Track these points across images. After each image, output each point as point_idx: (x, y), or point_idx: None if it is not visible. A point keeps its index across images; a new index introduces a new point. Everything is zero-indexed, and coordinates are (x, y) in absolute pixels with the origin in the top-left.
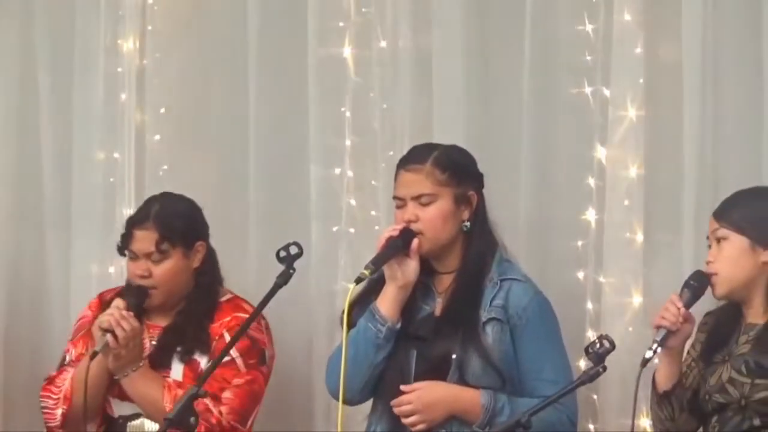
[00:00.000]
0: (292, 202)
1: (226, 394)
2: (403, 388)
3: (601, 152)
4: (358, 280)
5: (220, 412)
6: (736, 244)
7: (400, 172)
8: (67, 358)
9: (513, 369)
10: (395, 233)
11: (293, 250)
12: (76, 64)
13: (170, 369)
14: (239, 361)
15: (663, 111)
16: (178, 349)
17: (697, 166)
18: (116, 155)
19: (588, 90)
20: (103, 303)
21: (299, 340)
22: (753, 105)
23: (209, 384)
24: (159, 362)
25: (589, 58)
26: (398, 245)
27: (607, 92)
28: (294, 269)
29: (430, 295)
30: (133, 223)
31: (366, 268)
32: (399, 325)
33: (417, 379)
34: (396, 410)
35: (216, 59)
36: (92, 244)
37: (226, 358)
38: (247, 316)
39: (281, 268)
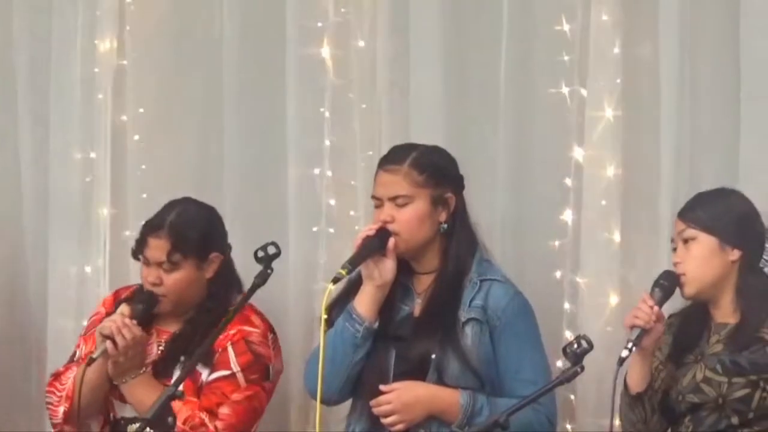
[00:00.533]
0: (272, 202)
1: (224, 410)
2: (382, 388)
3: (578, 152)
4: (335, 280)
5: (216, 428)
6: (705, 244)
7: (379, 172)
8: (77, 354)
9: (492, 369)
10: (371, 233)
11: (271, 250)
12: (53, 65)
13: (172, 378)
14: (240, 376)
15: (640, 111)
16: (182, 358)
17: (674, 166)
18: (93, 155)
19: (565, 90)
20: (118, 301)
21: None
22: (730, 105)
23: (207, 397)
24: (162, 370)
25: (566, 58)
26: (375, 245)
27: (584, 92)
28: (272, 269)
29: (409, 295)
30: (148, 229)
31: (343, 267)
32: (376, 325)
33: (396, 379)
34: (375, 410)
35: (194, 59)
36: (70, 243)
37: (227, 372)
38: (253, 329)
39: (260, 268)
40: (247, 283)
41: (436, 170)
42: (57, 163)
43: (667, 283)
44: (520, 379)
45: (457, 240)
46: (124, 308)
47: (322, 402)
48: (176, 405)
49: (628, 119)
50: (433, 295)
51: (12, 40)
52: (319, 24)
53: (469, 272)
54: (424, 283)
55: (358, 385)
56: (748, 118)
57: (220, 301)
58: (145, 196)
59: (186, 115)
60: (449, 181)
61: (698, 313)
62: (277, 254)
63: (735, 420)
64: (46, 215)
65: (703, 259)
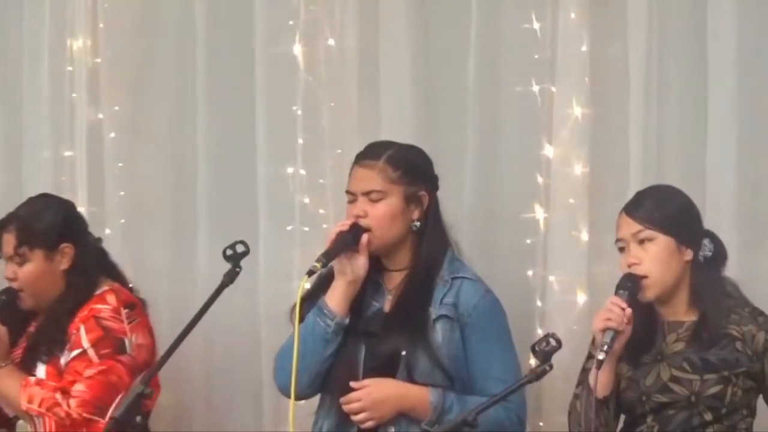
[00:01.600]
0: (243, 201)
1: (78, 387)
2: (352, 384)
3: (548, 150)
4: (309, 273)
5: (69, 405)
6: (663, 245)
7: (354, 167)
8: None
9: (463, 367)
10: (345, 228)
11: (240, 248)
12: (25, 64)
13: (36, 369)
14: (91, 352)
15: (608, 109)
16: (42, 349)
17: (641, 164)
18: (68, 154)
19: (534, 88)
20: None
21: (249, 338)
22: (697, 103)
23: (63, 378)
24: (26, 364)
25: (535, 56)
26: (348, 240)
27: (553, 90)
28: (240, 268)
29: (379, 291)
30: (0, 226)
31: (317, 261)
32: (347, 321)
33: (366, 375)
34: (345, 407)
35: (167, 57)
36: None
37: (79, 351)
38: (103, 306)
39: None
40: (216, 282)
41: (411, 168)
42: (31, 162)
43: (631, 284)
44: (490, 377)
45: (429, 238)
46: None
47: (290, 396)
48: (34, 390)
49: (597, 117)
50: (404, 292)
51: None
52: (290, 22)
53: (440, 270)
54: (395, 279)
55: (328, 381)
56: (714, 117)
57: (76, 290)
58: (122, 193)
59: (159, 113)
60: (423, 180)
61: (645, 312)
62: (246, 253)
63: (708, 416)
64: None
65: (663, 261)
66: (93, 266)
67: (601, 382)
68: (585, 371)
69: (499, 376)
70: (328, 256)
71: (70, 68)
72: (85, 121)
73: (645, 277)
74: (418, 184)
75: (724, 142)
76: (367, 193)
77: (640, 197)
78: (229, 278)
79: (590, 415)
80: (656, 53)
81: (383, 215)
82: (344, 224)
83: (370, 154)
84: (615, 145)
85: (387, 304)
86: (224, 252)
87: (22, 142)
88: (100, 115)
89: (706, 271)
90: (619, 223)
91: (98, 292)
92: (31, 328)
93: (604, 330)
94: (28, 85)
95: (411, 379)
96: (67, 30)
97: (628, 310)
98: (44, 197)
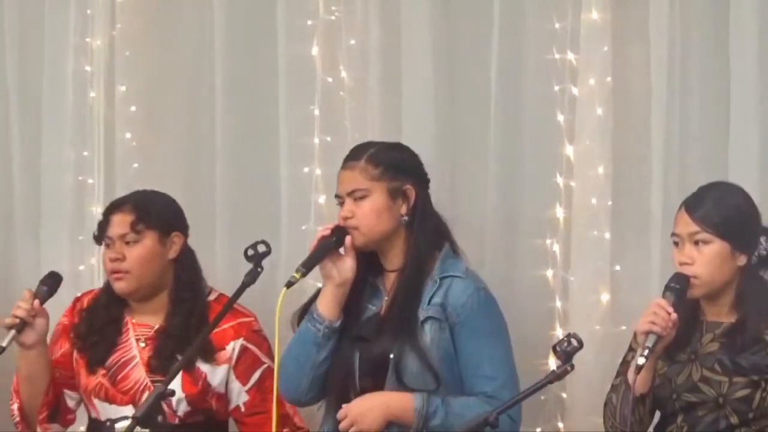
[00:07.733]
0: (262, 200)
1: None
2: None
3: (569, 150)
4: (288, 284)
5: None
6: (718, 249)
7: (340, 172)
8: None
9: (454, 368)
10: (327, 232)
11: (261, 248)
12: (45, 63)
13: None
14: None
15: (631, 109)
16: (179, 356)
17: (664, 164)
18: (86, 153)
19: (556, 88)
20: (79, 307)
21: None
22: (720, 104)
23: (269, 403)
24: (158, 368)
25: (557, 56)
26: (330, 244)
27: (575, 90)
28: (262, 268)
29: (377, 294)
30: (110, 208)
31: (297, 271)
32: (338, 324)
33: (361, 379)
34: (339, 426)
35: (185, 57)
36: (62, 243)
37: (264, 366)
38: (248, 319)
39: (250, 266)
40: (235, 282)
41: (392, 163)
42: (49, 161)
43: (680, 286)
44: (480, 375)
45: (418, 235)
46: (26, 293)
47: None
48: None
49: (619, 117)
50: (394, 295)
51: (3, 37)
52: (310, 22)
53: (432, 270)
54: (391, 281)
55: (327, 385)
56: (737, 117)
57: (192, 288)
58: None
59: (177, 113)
60: (407, 174)
61: (688, 310)
62: (267, 253)
63: (734, 420)
64: (39, 214)
65: (716, 265)
66: (197, 263)
67: (643, 380)
68: (625, 363)
69: (488, 374)
70: (307, 265)
71: (88, 68)
72: (102, 121)
73: (694, 277)
74: (401, 178)
75: (746, 142)
76: (351, 193)
77: (702, 195)
78: (251, 278)
79: (626, 411)
80: (678, 53)
81: (368, 212)
82: (326, 228)
83: (352, 155)
84: (637, 145)
85: (384, 307)
86: (246, 252)
87: (41, 141)
88: (116, 115)
89: (755, 276)
90: (677, 218)
91: (212, 297)
92: (139, 327)
93: (647, 333)
94: (48, 85)
95: (401, 382)
96: (87, 30)
97: (674, 315)
98: (151, 190)
